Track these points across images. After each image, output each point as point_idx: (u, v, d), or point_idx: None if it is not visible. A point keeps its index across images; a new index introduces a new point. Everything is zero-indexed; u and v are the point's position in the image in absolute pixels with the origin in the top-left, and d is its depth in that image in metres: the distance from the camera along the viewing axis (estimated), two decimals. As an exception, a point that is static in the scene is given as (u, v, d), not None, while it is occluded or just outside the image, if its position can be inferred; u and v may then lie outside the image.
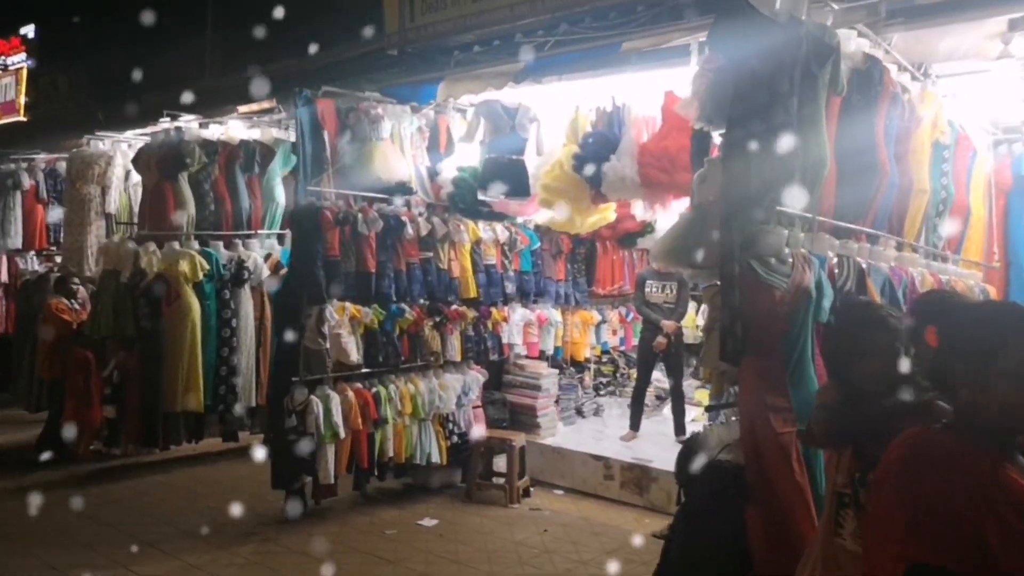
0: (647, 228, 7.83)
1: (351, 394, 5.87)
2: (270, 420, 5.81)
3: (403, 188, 6.21)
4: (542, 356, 7.74)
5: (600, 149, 5.41)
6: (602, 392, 8.46)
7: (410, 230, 6.15)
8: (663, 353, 7.50)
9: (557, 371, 7.64)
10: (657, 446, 7.10)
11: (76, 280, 7.83)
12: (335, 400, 5.71)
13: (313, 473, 5.67)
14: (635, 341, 9.10)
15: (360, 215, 5.91)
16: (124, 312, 7.01)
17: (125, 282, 7.02)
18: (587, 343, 8.22)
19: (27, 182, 9.76)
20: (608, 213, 6.10)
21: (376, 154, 5.99)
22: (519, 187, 5.55)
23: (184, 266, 7.12)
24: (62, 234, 8.78)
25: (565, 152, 5.67)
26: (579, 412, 8.08)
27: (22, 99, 21.02)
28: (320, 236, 5.61)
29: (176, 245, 7.27)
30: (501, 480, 6.68)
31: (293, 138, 8.41)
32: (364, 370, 6.08)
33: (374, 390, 6.05)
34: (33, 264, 9.94)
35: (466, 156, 6.47)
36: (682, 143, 5.15)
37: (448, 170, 6.45)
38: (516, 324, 7.34)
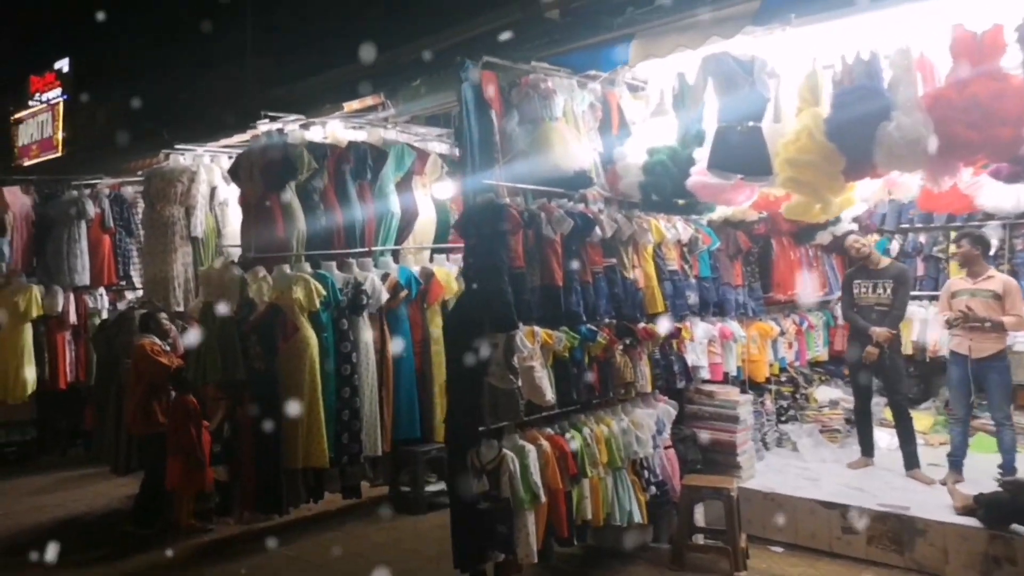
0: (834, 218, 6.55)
1: (545, 444, 4.57)
2: (451, 483, 4.52)
3: (583, 178, 4.94)
4: (725, 379, 6.41)
5: (866, 107, 4.12)
6: (784, 418, 7.09)
7: (599, 231, 4.88)
8: (875, 366, 6.17)
9: (751, 397, 6.29)
10: (892, 486, 5.74)
11: (165, 316, 6.64)
12: (532, 454, 4.42)
13: (510, 549, 4.37)
14: (811, 355, 7.75)
15: (544, 214, 4.65)
16: (232, 351, 5.79)
17: (231, 316, 5.82)
18: (766, 360, 6.86)
19: (92, 210, 8.64)
20: (852, 194, 4.78)
21: (554, 137, 4.73)
22: (758, 164, 4.26)
23: (299, 293, 5.90)
24: (141, 264, 7.62)
25: (804, 117, 4.37)
26: (764, 444, 6.73)
27: (60, 135, 20.36)
28: (504, 242, 4.34)
29: (287, 269, 6.06)
30: (704, 538, 5.37)
31: (403, 139, 7.29)
32: (551, 412, 4.80)
33: (568, 436, 4.76)
34: (102, 302, 8.80)
35: (645, 139, 5.20)
36: (996, 88, 3.84)
37: (628, 154, 5.17)
38: (700, 342, 6.02)
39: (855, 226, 7.30)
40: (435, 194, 7.24)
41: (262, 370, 5.79)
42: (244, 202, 6.22)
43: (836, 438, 6.93)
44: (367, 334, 6.42)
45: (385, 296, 6.44)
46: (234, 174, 6.26)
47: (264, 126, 6.36)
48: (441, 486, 6.94)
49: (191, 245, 7.16)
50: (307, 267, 6.19)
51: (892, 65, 4.22)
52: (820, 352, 7.88)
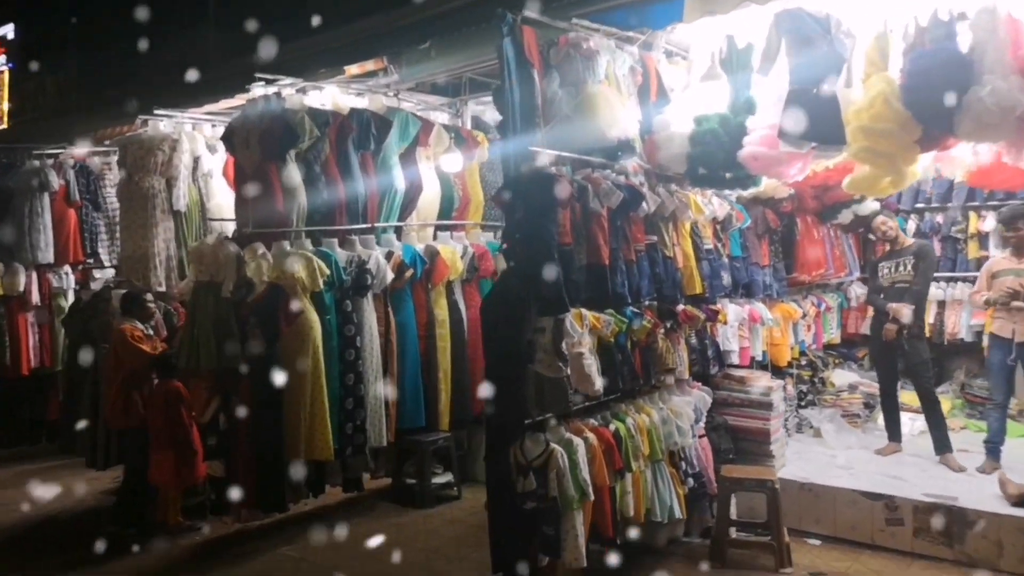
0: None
1: (591, 436, 4.19)
2: (490, 481, 4.11)
3: (627, 148, 4.55)
4: (751, 364, 6.11)
5: (946, 72, 3.79)
6: (803, 403, 6.84)
7: (645, 206, 4.49)
8: (894, 345, 5.95)
9: (782, 382, 6.00)
10: (931, 475, 5.52)
11: (149, 298, 6.06)
12: (580, 448, 4.04)
13: (556, 552, 3.98)
14: (826, 337, 7.52)
15: (590, 186, 4.24)
16: (229, 336, 5.27)
17: (228, 296, 5.29)
18: (788, 343, 6.58)
19: (56, 182, 7.95)
20: (916, 167, 4.46)
21: (599, 101, 4.31)
22: (833, 131, 3.90)
23: (301, 272, 5.41)
24: (117, 240, 6.98)
25: (878, 82, 4.03)
26: (786, 429, 6.45)
27: (4, 105, 19.25)
28: (553, 216, 3.92)
29: (287, 245, 5.56)
30: (736, 531, 5.07)
31: (405, 106, 6.78)
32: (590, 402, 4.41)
33: (612, 427, 4.38)
34: (68, 281, 8.12)
35: (686, 108, 4.81)
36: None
37: (671, 123, 4.77)
38: (731, 325, 5.70)
39: (876, 205, 7.05)
40: (440, 167, 6.78)
41: (262, 355, 5.29)
42: (239, 172, 5.67)
43: (856, 423, 6.70)
44: (371, 316, 5.97)
45: (390, 276, 5.99)
46: (227, 141, 5.70)
47: (259, 90, 5.80)
48: (448, 477, 6.53)
49: (173, 220, 6.56)
50: (308, 244, 5.70)
51: (974, 27, 3.89)
52: (834, 335, 7.65)
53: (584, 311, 4.08)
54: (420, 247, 6.42)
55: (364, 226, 6.13)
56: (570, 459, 3.96)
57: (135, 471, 5.80)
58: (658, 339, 4.70)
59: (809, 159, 4.43)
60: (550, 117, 4.27)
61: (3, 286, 7.56)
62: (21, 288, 7.69)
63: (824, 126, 3.88)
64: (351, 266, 5.78)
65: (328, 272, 5.58)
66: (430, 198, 6.69)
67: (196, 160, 6.77)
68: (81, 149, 8.51)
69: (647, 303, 4.73)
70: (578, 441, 4.05)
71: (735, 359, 5.78)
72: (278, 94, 5.75)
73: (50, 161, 8.17)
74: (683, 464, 4.96)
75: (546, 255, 3.84)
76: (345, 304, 5.79)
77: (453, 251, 6.58)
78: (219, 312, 5.29)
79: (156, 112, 6.65)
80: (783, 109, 3.91)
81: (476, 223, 7.20)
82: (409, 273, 6.19)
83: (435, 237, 6.73)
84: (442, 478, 6.50)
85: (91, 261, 8.33)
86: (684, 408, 4.93)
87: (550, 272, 3.82)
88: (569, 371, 3.95)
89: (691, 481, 4.97)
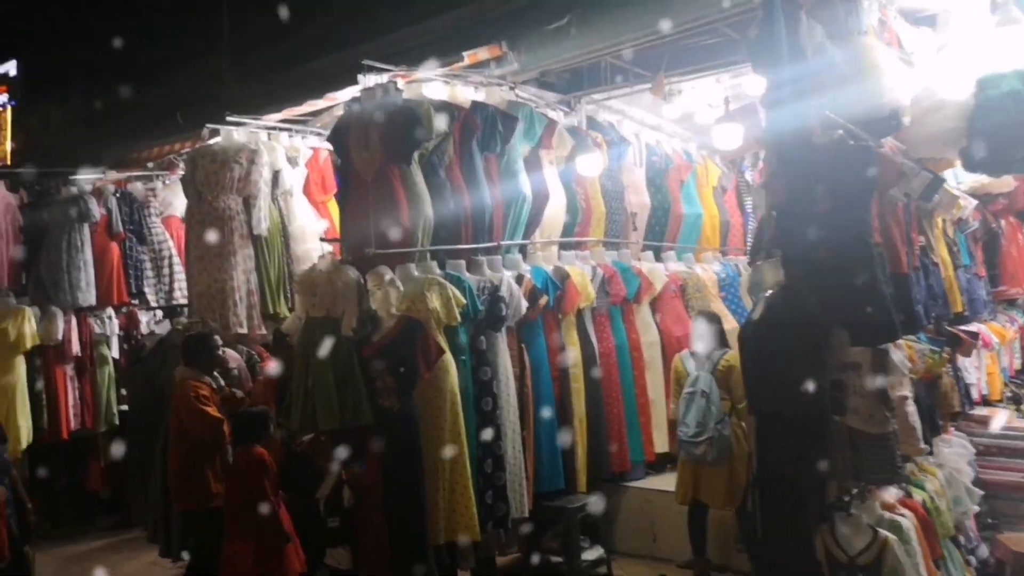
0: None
1: (907, 514, 3.02)
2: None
3: (895, 120, 3.43)
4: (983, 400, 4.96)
5: None
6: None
7: (936, 197, 3.37)
8: None
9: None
10: None
11: (217, 341, 4.85)
12: (912, 532, 2.86)
13: None
14: (1017, 364, 6.36)
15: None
16: (354, 387, 4.10)
17: (351, 335, 4.12)
18: (999, 371, 5.43)
19: (97, 212, 6.82)
20: None
21: (878, 58, 3.22)
22: None
23: (435, 302, 4.30)
24: (185, 274, 5.80)
25: None
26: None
27: (8, 144, 18.48)
28: (867, 207, 2.79)
29: (413, 269, 4.44)
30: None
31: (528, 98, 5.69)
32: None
33: (918, 498, 3.21)
34: (111, 326, 6.94)
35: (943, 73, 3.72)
36: None
37: (939, 90, 3.67)
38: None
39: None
40: (562, 174, 5.71)
41: (395, 410, 4.12)
42: (351, 180, 4.54)
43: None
44: (506, 356, 4.85)
45: (524, 305, 4.87)
46: (337, 142, 4.59)
47: (373, 78, 4.67)
48: (598, 552, 5.29)
49: (253, 246, 5.42)
50: (435, 267, 4.58)
51: None
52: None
53: (903, 343, 2.93)
54: (548, 269, 5.32)
55: (490, 244, 5.02)
56: (906, 547, 2.78)
57: (200, 567, 4.53)
58: (943, 374, 3.54)
59: None
60: (817, 75, 3.16)
61: (39, 335, 6.38)
62: (60, 336, 6.50)
63: None
64: (482, 293, 4.67)
65: (464, 302, 4.46)
66: (554, 210, 5.61)
67: (276, 175, 5.65)
68: (119, 174, 7.43)
69: (927, 325, 3.58)
70: (907, 523, 2.87)
71: (975, 393, 4.63)
72: (394, 83, 4.65)
73: (88, 188, 7.05)
74: (961, 538, 3.78)
75: (865, 259, 2.70)
76: (479, 341, 4.68)
77: (583, 273, 5.52)
78: (339, 356, 4.12)
79: (228, 119, 5.53)
80: None
81: (598, 239, 6.11)
82: (543, 301, 5.08)
83: (559, 257, 5.64)
84: (591, 553, 5.27)
85: (135, 302, 7.18)
86: (961, 464, 3.76)
87: (873, 282, 2.67)
88: (896, 425, 2.79)
89: (974, 560, 3.78)
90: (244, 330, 5.27)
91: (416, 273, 4.41)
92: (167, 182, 7.65)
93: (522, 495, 4.82)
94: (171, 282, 7.28)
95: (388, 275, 4.22)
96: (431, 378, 4.19)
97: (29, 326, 6.32)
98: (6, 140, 17.81)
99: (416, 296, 4.29)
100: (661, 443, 5.99)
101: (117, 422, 6.87)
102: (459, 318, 4.37)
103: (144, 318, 7.20)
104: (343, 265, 4.26)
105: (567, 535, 5.14)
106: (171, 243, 7.33)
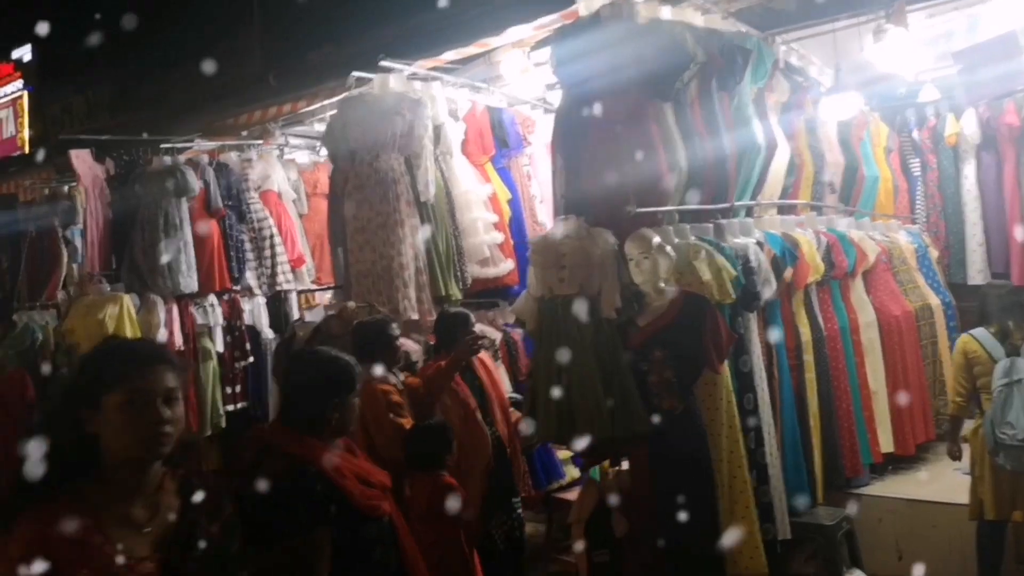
0: None
1: None
2: None
3: None
4: None
5: None
6: None
7: None
8: None
9: None
10: None
11: (394, 331, 3.90)
12: None
13: None
14: None
15: None
16: (626, 386, 3.17)
17: (614, 317, 3.20)
18: None
19: (196, 184, 5.88)
20: None
21: None
22: None
23: (706, 274, 3.38)
24: (334, 251, 4.81)
25: None
26: None
27: (25, 132, 17.57)
28: None
29: (672, 233, 3.52)
30: None
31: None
32: None
33: None
34: (214, 316, 6.00)
35: None
36: None
37: None
38: None
39: None
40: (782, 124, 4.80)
41: (676, 412, 3.20)
42: (585, 124, 3.58)
43: None
44: (758, 343, 3.94)
45: (774, 282, 3.98)
46: (565, 72, 3.63)
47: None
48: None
49: (419, 216, 4.47)
50: (687, 231, 3.66)
51: None
52: None
53: None
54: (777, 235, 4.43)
55: (721, 205, 4.11)
56: None
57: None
58: None
59: None
60: None
61: (140, 325, 5.45)
62: (162, 327, 5.57)
63: None
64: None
65: (735, 274, 3.54)
66: (777, 166, 4.70)
67: (437, 131, 4.70)
68: (209, 143, 6.50)
69: None
70: None
71: None
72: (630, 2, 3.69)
73: (182, 158, 6.11)
74: None
75: None
76: (737, 323, 3.76)
77: (810, 242, 4.62)
78: (602, 344, 3.20)
79: (382, 62, 4.56)
80: None
81: (809, 203, 5.21)
82: (789, 274, 4.19)
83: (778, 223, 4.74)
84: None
85: (237, 288, 6.24)
86: None
87: None
88: None
89: None
90: (416, 315, 4.33)
91: (675, 238, 3.49)
92: (262, 152, 6.73)
93: (784, 511, 3.93)
94: (273, 265, 6.36)
95: (656, 239, 3.28)
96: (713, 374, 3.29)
97: (129, 316, 5.41)
98: (24, 127, 16.87)
99: (683, 267, 3.38)
100: (886, 442, 5.10)
101: (224, 424, 5.98)
102: (733, 294, 3.46)
103: (247, 306, 6.27)
104: (595, 229, 3.32)
105: (827, 555, 4.24)
106: (271, 221, 6.41)
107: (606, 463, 3.55)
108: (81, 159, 5.61)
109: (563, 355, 3.22)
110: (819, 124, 5.49)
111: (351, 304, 4.13)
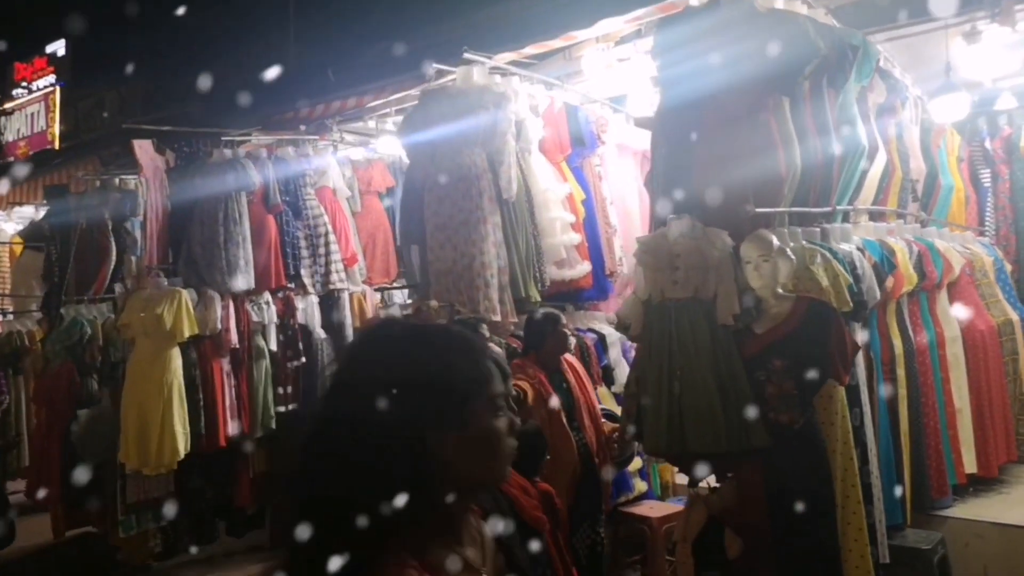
0: None
1: None
2: None
3: None
4: None
5: None
6: None
7: None
8: None
9: None
10: None
11: (486, 332, 3.77)
12: None
13: None
14: None
15: None
16: (738, 395, 2.99)
17: (731, 324, 3.02)
18: None
19: (255, 178, 5.74)
20: None
21: None
22: None
23: (823, 279, 3.20)
24: (405, 249, 4.67)
25: None
26: None
27: (56, 127, 17.63)
28: None
29: (787, 236, 3.34)
30: None
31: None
32: None
33: None
34: (268, 314, 5.85)
35: None
36: None
37: None
38: None
39: None
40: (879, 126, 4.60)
41: (796, 427, 3.01)
42: (701, 117, 3.41)
43: None
44: (860, 355, 3.74)
45: (877, 290, 3.79)
46: (664, 58, 3.45)
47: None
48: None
49: (501, 215, 4.31)
50: (799, 234, 3.48)
51: None
52: None
53: None
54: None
55: (826, 209, 3.92)
56: None
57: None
58: None
59: None
60: None
61: (198, 321, 5.31)
62: (219, 324, 5.43)
63: None
64: (841, 272, 3.56)
65: (850, 281, 3.36)
66: (874, 171, 4.51)
67: (518, 127, 4.54)
68: (267, 137, 6.37)
69: None
70: None
71: None
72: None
73: (241, 151, 5.98)
74: None
75: None
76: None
77: (904, 251, 4.42)
78: (719, 353, 3.01)
79: (466, 55, 4.41)
80: None
81: (896, 210, 5.02)
82: (890, 283, 4.00)
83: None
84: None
85: (291, 286, 6.10)
86: None
87: None
88: None
89: None
90: (497, 317, 4.16)
91: (789, 239, 3.31)
92: (318, 147, 6.59)
93: (883, 535, 3.73)
94: (327, 264, 6.21)
95: (776, 242, 3.10)
96: (833, 386, 3.10)
97: (187, 312, 5.27)
98: (55, 122, 16.87)
99: (800, 272, 3.20)
100: (970, 463, 4.89)
101: (273, 426, 5.83)
102: (851, 302, 3.28)
103: (301, 305, 6.12)
104: (713, 229, 3.14)
105: (926, 584, 4.03)
106: (326, 218, 6.27)
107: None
108: (143, 149, 5.49)
109: (675, 363, 3.03)
110: (904, 128, 5.30)
111: (433, 303, 3.96)
